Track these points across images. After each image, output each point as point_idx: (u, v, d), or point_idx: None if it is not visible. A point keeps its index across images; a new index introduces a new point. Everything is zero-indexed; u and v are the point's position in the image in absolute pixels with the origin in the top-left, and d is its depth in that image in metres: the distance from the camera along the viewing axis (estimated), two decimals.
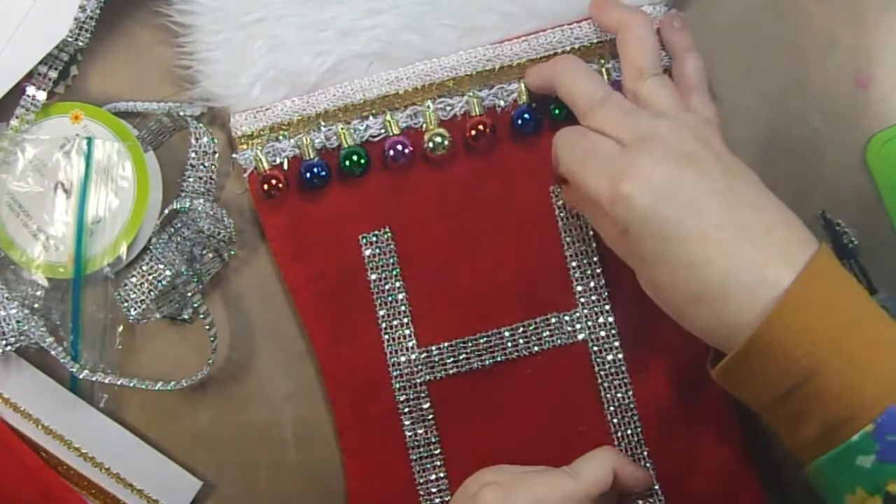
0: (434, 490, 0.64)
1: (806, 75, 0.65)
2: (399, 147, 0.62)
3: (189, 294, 0.64)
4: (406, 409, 0.63)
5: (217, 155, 0.64)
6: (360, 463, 0.64)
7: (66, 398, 0.64)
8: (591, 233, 0.63)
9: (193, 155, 0.64)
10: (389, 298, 0.63)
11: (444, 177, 0.63)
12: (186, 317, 0.65)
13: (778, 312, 0.50)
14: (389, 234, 0.63)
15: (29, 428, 0.64)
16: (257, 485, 0.66)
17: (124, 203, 0.64)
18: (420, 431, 0.64)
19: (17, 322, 0.62)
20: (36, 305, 0.64)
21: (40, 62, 0.62)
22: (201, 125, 0.63)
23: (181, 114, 0.63)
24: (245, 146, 0.63)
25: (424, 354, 0.63)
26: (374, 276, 0.63)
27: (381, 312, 0.63)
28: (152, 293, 0.63)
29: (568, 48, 0.62)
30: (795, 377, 0.50)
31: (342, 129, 0.62)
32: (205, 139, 0.63)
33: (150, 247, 0.63)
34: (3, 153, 0.63)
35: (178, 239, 0.64)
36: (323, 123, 0.62)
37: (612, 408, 0.63)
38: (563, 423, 0.64)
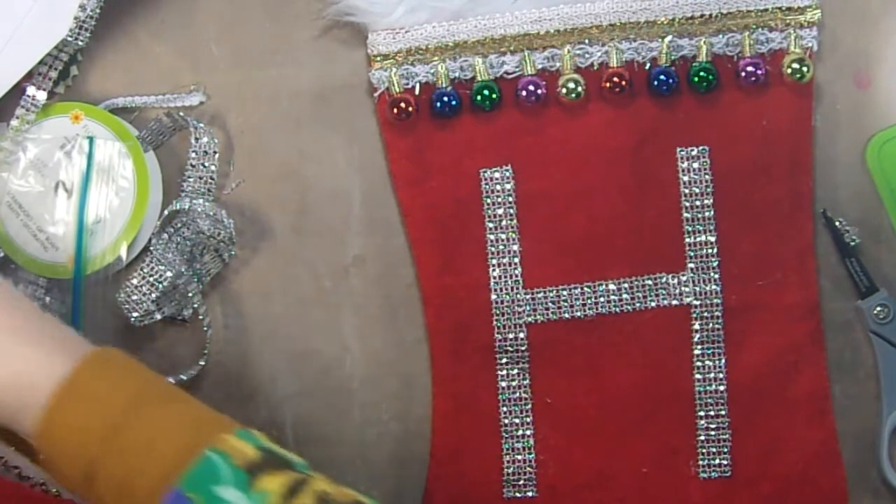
0: (518, 434, 0.64)
1: None
2: (532, 87, 0.63)
3: (189, 294, 0.64)
4: (504, 349, 0.64)
5: (217, 155, 0.64)
6: (448, 396, 0.65)
7: None
8: (710, 200, 0.63)
9: (193, 155, 0.64)
10: (502, 236, 0.64)
11: (572, 123, 0.63)
12: (186, 317, 0.65)
13: (46, 417, 0.51)
14: (511, 172, 0.64)
15: None
16: None
17: (124, 203, 0.64)
18: (514, 372, 0.64)
19: None
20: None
21: (40, 62, 0.62)
22: (202, 125, 0.63)
23: (180, 104, 0.63)
24: (379, 66, 0.63)
25: (529, 296, 0.64)
26: (489, 212, 0.64)
27: (492, 249, 0.64)
28: (153, 294, 0.63)
29: (716, 12, 0.62)
30: (81, 472, 0.51)
31: (478, 61, 0.63)
32: (205, 139, 0.63)
33: (151, 248, 0.63)
34: (3, 153, 0.63)
35: (179, 239, 0.64)
36: (460, 53, 0.63)
37: (699, 375, 0.64)
38: (653, 384, 0.64)
